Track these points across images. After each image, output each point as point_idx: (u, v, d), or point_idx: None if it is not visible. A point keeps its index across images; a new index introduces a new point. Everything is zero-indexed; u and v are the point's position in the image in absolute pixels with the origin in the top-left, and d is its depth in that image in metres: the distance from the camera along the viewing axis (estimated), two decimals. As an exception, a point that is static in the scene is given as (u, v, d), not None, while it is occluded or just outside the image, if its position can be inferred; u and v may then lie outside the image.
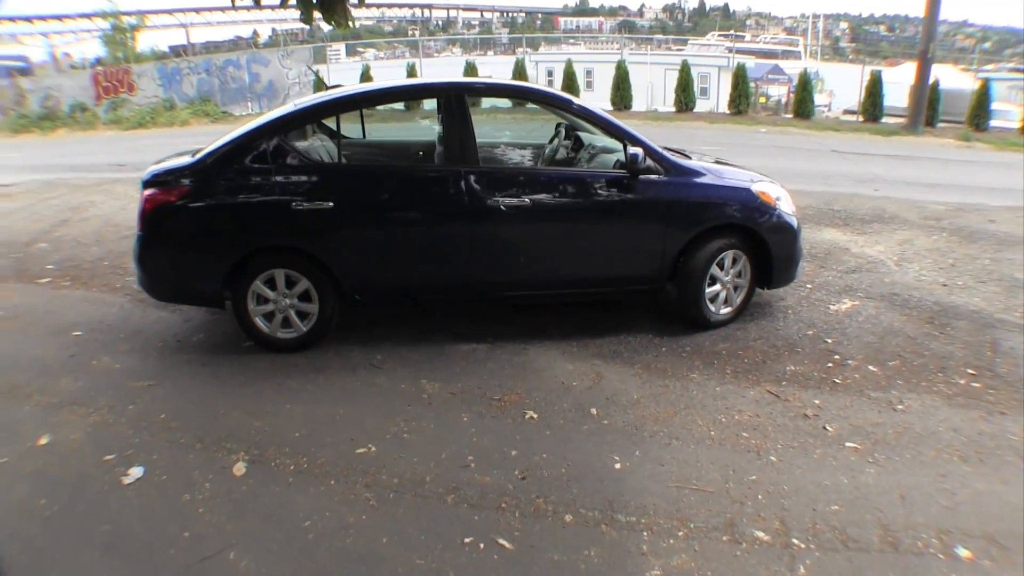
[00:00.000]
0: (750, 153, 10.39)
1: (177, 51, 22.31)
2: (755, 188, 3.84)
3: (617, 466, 2.64)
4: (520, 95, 4.15)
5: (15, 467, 2.60)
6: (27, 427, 2.86)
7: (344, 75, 18.76)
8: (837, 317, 4.09)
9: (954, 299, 4.32)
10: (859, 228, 5.97)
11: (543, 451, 2.74)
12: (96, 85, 19.11)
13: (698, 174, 3.76)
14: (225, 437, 2.82)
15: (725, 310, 3.94)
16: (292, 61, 19.37)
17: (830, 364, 3.52)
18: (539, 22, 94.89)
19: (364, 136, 4.61)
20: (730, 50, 26.25)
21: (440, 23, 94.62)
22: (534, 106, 4.35)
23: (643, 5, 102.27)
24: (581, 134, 4.16)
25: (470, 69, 17.30)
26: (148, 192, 3.35)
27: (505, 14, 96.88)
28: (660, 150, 3.71)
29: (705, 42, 30.84)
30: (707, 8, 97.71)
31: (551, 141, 4.51)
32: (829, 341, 3.78)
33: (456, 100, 3.55)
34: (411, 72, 18.07)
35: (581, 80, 21.08)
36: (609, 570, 2.10)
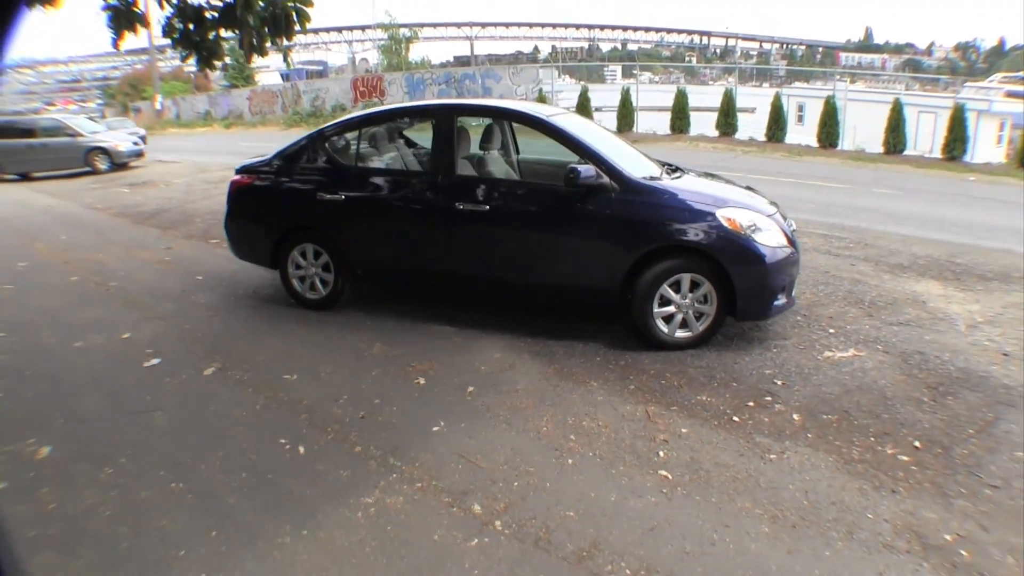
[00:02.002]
0: (914, 198, 9.26)
1: (462, 61, 26.69)
2: (720, 213, 3.69)
3: (435, 429, 3.04)
4: (499, 115, 4.61)
5: (101, 346, 4.14)
6: (124, 326, 4.44)
7: (602, 95, 20.05)
8: (818, 364, 3.64)
9: (995, 370, 3.45)
10: (966, 284, 4.84)
11: (397, 405, 3.27)
12: (354, 89, 24.06)
13: (655, 193, 3.78)
14: (219, 352, 3.99)
15: (682, 333, 3.84)
16: (521, 79, 21.71)
17: (751, 403, 3.26)
18: (819, 56, 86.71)
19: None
20: (1009, 94, 21.14)
21: (717, 51, 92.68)
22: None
23: (932, 44, 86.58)
24: None
25: (680, 96, 17.28)
26: (235, 178, 4.77)
27: (784, 46, 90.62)
28: (617, 167, 3.83)
29: (985, 85, 25.38)
30: (1006, 47, 77.87)
31: None
32: (778, 383, 3.45)
33: (445, 118, 4.22)
34: (625, 98, 18.63)
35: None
36: (344, 486, 2.61)
